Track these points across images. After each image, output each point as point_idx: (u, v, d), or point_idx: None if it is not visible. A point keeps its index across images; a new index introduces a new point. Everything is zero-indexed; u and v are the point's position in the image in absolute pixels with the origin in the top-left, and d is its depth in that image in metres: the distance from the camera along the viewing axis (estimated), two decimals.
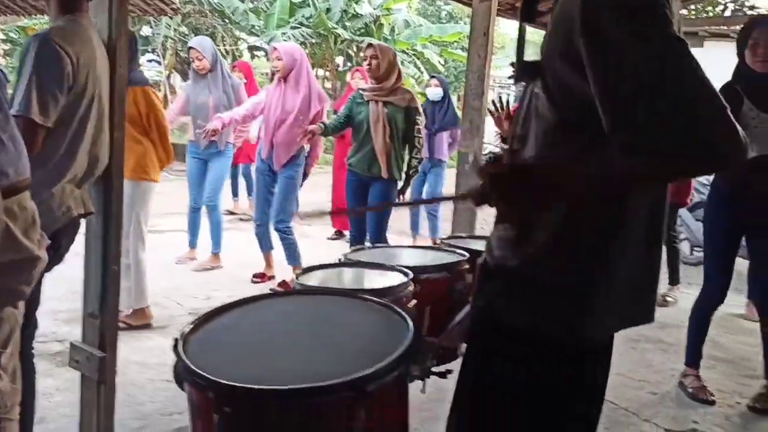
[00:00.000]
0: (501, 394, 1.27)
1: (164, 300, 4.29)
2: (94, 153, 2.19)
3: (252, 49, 18.03)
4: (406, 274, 2.00)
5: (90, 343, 2.26)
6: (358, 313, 1.60)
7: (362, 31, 16.21)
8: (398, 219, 7.81)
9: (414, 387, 1.41)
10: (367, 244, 4.20)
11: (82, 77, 2.09)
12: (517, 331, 1.24)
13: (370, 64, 4.21)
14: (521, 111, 1.33)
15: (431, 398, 1.71)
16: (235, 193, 7.67)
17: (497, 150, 5.04)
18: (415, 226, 6.58)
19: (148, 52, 16.12)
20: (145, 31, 15.82)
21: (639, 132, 1.03)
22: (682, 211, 5.98)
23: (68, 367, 2.39)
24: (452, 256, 2.22)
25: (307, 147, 4.64)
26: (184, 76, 16.66)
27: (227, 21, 16.35)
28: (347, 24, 16.28)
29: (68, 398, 2.71)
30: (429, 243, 5.91)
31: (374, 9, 16.61)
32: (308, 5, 15.82)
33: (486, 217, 1.50)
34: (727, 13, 9.83)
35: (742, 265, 3.46)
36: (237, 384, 1.17)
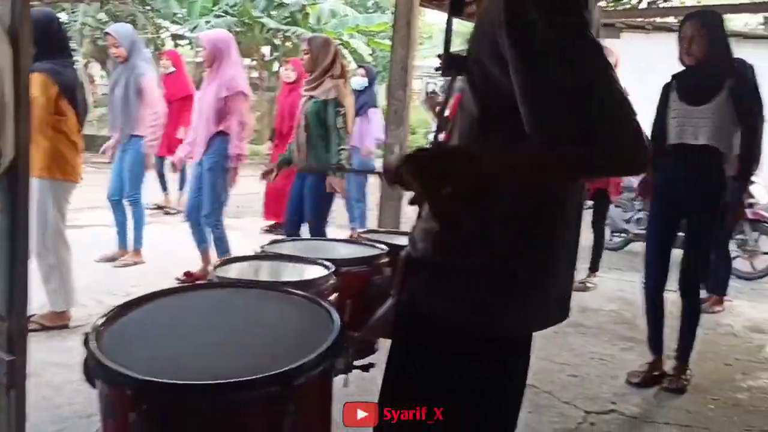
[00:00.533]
0: (425, 386, 1.27)
1: (83, 298, 4.13)
2: None
3: (175, 37, 17.56)
4: (327, 267, 1.98)
5: None
6: (281, 306, 1.58)
7: (288, 20, 16.02)
8: (337, 212, 7.80)
9: (335, 381, 1.40)
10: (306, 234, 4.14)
11: None
12: (441, 322, 1.24)
13: (304, 60, 4.18)
14: (446, 104, 1.34)
15: (352, 392, 1.70)
16: (164, 187, 7.47)
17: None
18: (353, 219, 6.56)
19: None
20: (61, 18, 15.18)
21: (555, 132, 1.05)
22: None
23: None
24: (371, 250, 2.21)
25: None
26: (103, 65, 16.11)
27: (148, 8, 15.87)
28: (273, 13, 16.06)
29: None
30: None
31: None
32: None
33: (410, 213, 1.50)
34: (643, 5, 10.16)
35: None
36: (157, 379, 1.12)
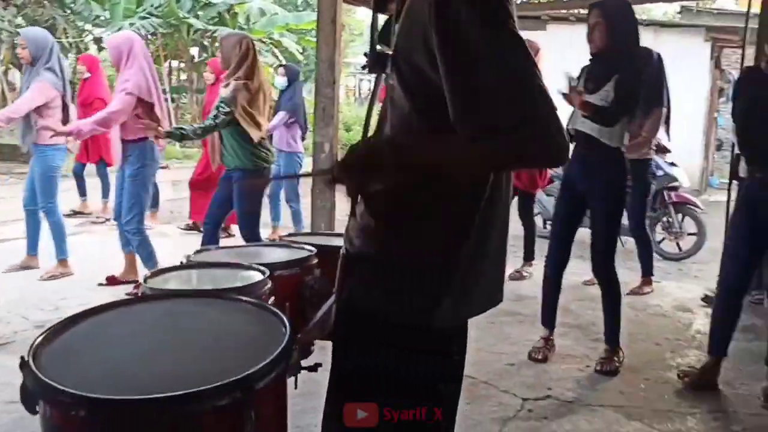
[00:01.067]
0: (369, 381, 1.27)
1: (6, 314, 3.98)
2: None
3: (98, 41, 17.03)
4: (262, 272, 1.95)
5: None
6: (227, 313, 1.55)
7: (216, 20, 15.74)
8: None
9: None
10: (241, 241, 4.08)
11: None
12: (381, 316, 1.25)
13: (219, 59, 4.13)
14: (374, 100, 1.35)
15: (297, 392, 1.69)
16: (82, 193, 7.27)
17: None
18: (274, 217, 6.50)
19: None
20: None
21: (482, 124, 1.07)
22: None
23: None
24: (301, 252, 2.20)
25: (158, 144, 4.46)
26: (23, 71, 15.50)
27: (68, 11, 15.36)
28: (200, 13, 15.76)
29: None
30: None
31: None
32: None
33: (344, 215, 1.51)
34: None
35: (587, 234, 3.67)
36: (113, 396, 1.07)
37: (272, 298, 1.91)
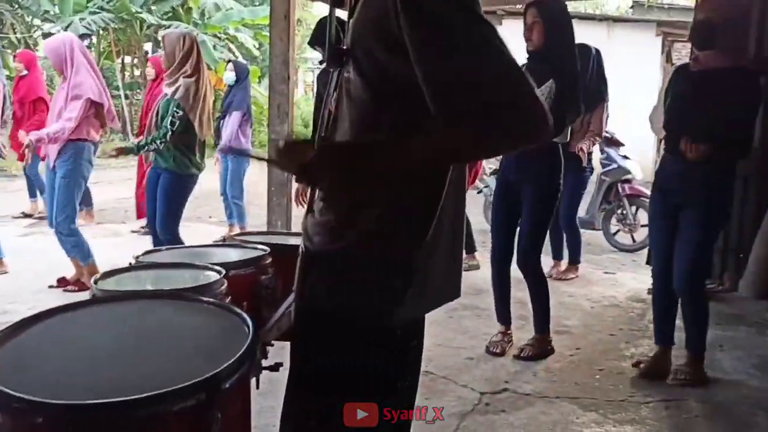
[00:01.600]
0: (330, 380, 1.27)
1: None
2: None
3: (47, 36, 16.61)
4: (218, 272, 1.92)
5: None
6: (186, 314, 1.51)
7: (170, 15, 15.49)
8: (211, 208, 7.61)
9: None
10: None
11: None
12: (341, 314, 1.24)
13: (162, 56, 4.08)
14: (330, 96, 1.33)
15: (253, 392, 1.67)
16: (32, 194, 7.13)
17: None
18: (230, 215, 6.45)
19: None
20: None
21: (465, 110, 1.07)
22: None
23: None
24: (254, 251, 2.17)
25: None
26: None
27: (16, 6, 14.94)
28: (153, 8, 15.48)
29: None
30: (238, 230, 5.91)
31: None
32: None
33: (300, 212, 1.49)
34: None
35: None
36: (70, 402, 1.02)
37: (228, 299, 1.88)
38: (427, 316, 1.38)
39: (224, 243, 2.42)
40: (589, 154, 5.11)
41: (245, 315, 1.39)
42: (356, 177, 1.18)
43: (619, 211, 6.48)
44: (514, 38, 3.34)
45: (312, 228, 1.30)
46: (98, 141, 4.43)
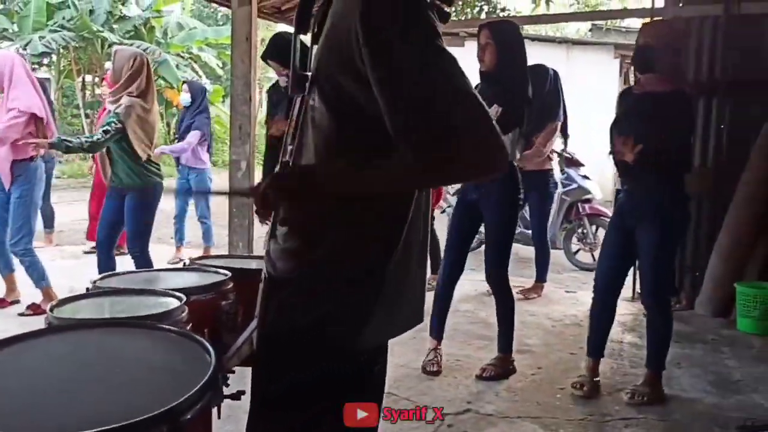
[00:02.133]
0: (293, 405, 1.26)
1: None
2: None
3: None
4: (179, 298, 1.89)
5: None
6: (146, 342, 1.48)
7: (132, 34, 15.37)
8: (172, 230, 7.54)
9: None
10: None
11: None
12: (307, 341, 1.24)
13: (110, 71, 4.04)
14: (293, 122, 1.33)
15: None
16: None
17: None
18: (179, 236, 6.41)
19: None
20: None
21: (422, 141, 1.08)
22: None
23: None
24: (215, 276, 2.14)
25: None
26: None
27: None
28: (115, 26, 15.34)
29: None
30: (201, 251, 5.86)
31: (143, 11, 15.82)
32: (68, 6, 14.68)
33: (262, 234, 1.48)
34: (483, 16, 10.64)
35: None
36: None
37: (189, 325, 1.85)
38: None
39: (184, 267, 2.38)
40: (548, 171, 5.23)
41: (207, 343, 1.38)
42: (312, 202, 1.19)
43: (580, 231, 6.58)
44: (475, 60, 3.42)
45: (275, 253, 1.30)
46: (54, 158, 4.37)
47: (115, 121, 3.90)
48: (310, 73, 1.28)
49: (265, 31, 13.01)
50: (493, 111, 3.23)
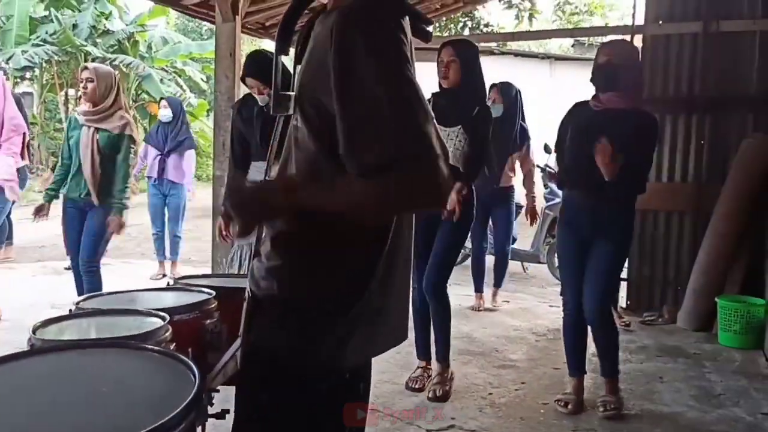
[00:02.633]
0: (275, 424, 1.26)
1: None
2: None
3: None
4: (163, 318, 1.88)
5: None
6: (131, 363, 1.47)
7: (115, 48, 15.32)
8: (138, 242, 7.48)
9: None
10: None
11: None
12: (290, 359, 1.24)
13: (86, 87, 3.99)
14: (275, 141, 1.34)
15: None
16: None
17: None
18: (160, 252, 6.41)
19: None
20: None
21: (362, 163, 1.10)
22: None
23: None
24: (198, 295, 2.13)
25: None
26: None
27: None
28: (98, 41, 15.29)
29: None
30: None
31: (127, 25, 15.79)
32: (51, 21, 14.62)
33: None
34: (466, 32, 10.73)
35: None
36: None
37: (173, 345, 1.84)
38: None
39: (168, 287, 2.37)
40: (512, 187, 5.36)
41: (191, 363, 1.37)
42: (270, 217, 1.23)
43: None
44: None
45: (259, 272, 1.30)
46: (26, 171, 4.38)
47: (132, 146, 3.94)
48: (293, 93, 1.29)
49: (250, 46, 13.03)
50: (451, 134, 3.30)
